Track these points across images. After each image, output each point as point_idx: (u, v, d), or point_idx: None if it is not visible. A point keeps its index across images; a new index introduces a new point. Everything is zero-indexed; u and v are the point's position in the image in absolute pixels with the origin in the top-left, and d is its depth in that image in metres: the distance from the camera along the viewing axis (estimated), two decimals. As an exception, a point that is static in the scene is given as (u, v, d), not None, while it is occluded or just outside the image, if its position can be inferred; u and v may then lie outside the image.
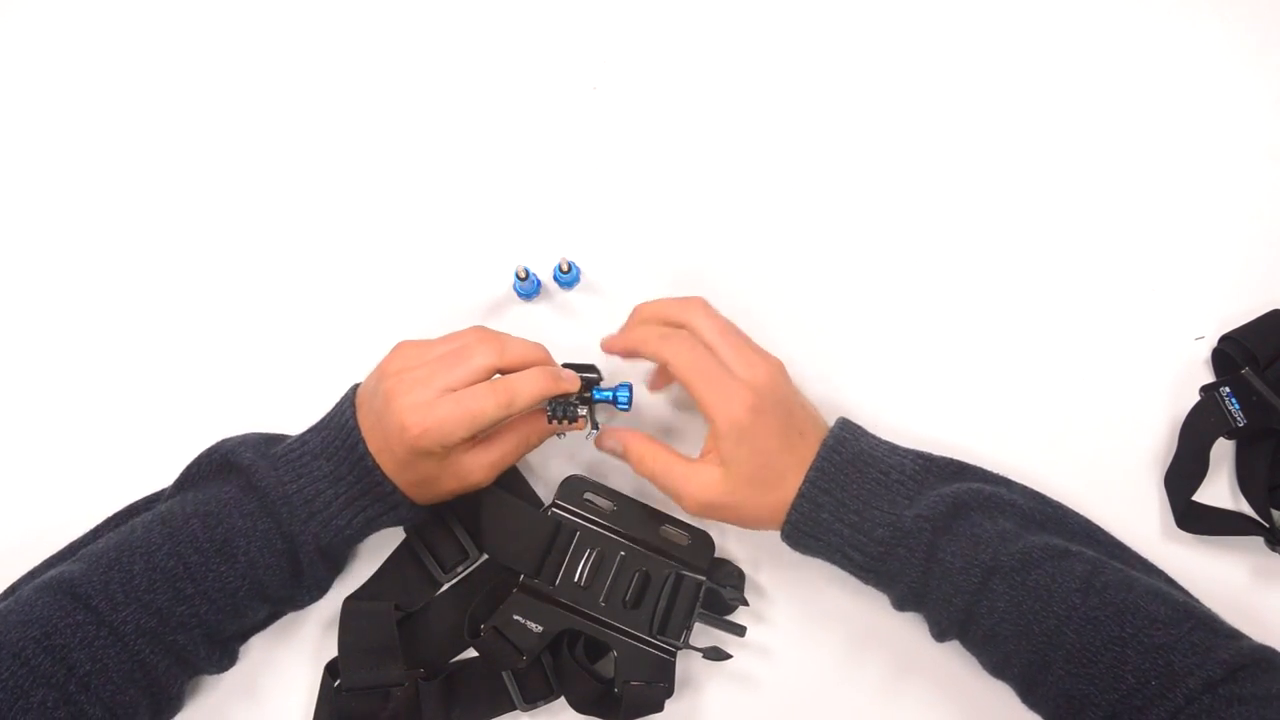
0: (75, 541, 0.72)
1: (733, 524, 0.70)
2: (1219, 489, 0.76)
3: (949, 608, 0.65)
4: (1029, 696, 0.65)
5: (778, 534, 0.69)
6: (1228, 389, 0.74)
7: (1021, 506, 0.68)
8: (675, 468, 0.68)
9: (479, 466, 0.68)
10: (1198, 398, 0.76)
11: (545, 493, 0.76)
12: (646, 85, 0.86)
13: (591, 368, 0.74)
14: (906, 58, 0.87)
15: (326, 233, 0.84)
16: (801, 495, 0.66)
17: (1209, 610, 0.65)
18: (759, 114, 0.86)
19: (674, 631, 0.69)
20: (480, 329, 0.70)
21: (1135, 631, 0.61)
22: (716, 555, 0.73)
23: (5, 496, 0.78)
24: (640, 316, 0.72)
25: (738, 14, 0.88)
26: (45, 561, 0.71)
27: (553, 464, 0.78)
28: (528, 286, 0.80)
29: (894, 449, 0.70)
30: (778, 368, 0.68)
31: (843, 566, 0.68)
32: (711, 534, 0.72)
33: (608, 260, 0.82)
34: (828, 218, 0.83)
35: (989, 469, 0.72)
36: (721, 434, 0.65)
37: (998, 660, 0.66)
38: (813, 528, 0.67)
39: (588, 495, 0.72)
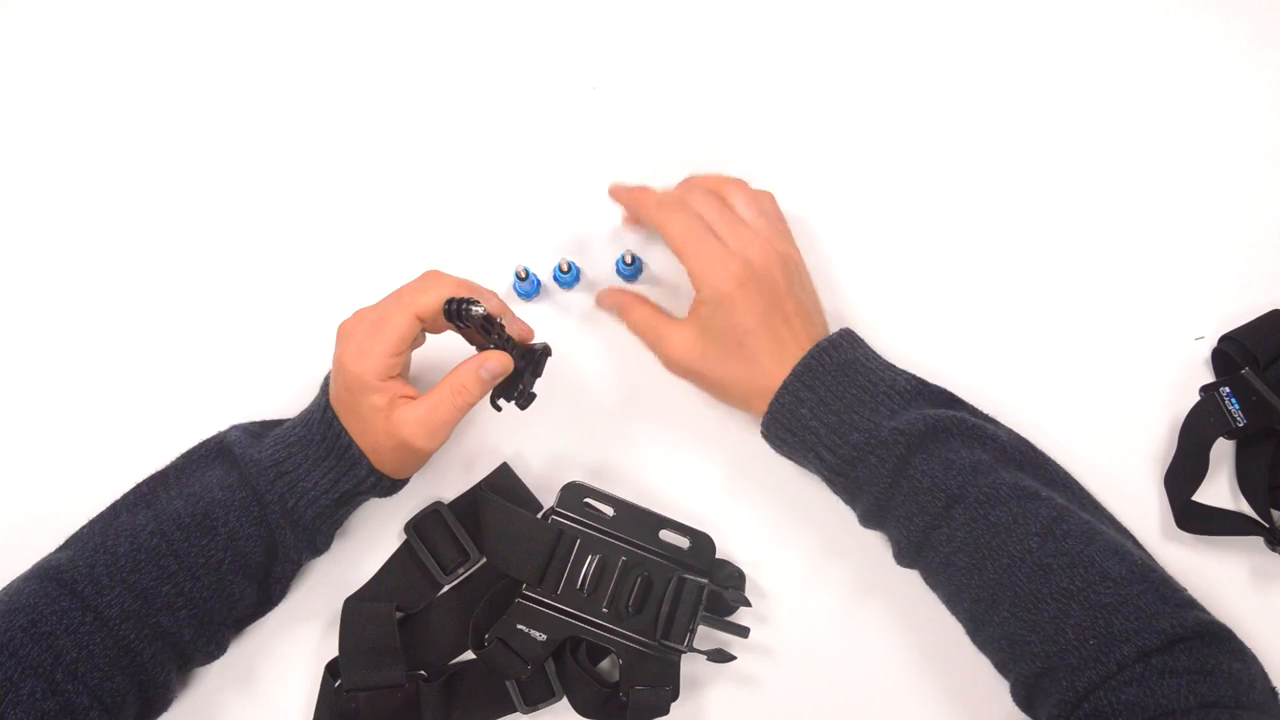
0: (71, 537, 0.72)
1: (708, 393, 0.72)
2: (1219, 489, 0.76)
3: (909, 527, 0.65)
4: (977, 635, 0.66)
5: (774, 533, 0.69)
6: (1228, 389, 0.74)
7: (1004, 442, 0.68)
8: (658, 324, 0.72)
9: (412, 419, 0.66)
10: (1198, 398, 0.76)
11: (546, 499, 0.76)
12: (646, 85, 0.86)
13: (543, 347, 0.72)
14: (907, 57, 0.87)
15: (327, 232, 0.84)
16: (785, 387, 0.67)
17: (1167, 575, 0.64)
18: (758, 114, 0.86)
19: (678, 635, 0.69)
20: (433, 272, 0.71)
21: (1084, 586, 0.60)
22: (717, 556, 0.73)
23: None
24: (689, 184, 0.75)
25: (737, 14, 0.88)
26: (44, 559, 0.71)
27: (553, 470, 0.77)
28: (528, 286, 0.80)
29: (891, 367, 0.71)
30: (784, 256, 0.70)
31: (814, 469, 0.69)
32: (712, 536, 0.72)
33: (608, 260, 0.82)
34: (828, 218, 0.83)
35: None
36: (703, 299, 0.68)
37: (950, 593, 0.66)
38: (790, 421, 0.67)
39: (587, 501, 0.72)
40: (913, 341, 0.80)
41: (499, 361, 0.67)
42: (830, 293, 0.81)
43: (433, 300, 0.66)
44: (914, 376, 0.71)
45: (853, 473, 0.67)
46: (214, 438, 0.73)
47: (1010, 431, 0.72)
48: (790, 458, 0.71)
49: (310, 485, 0.68)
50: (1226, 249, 0.81)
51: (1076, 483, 0.71)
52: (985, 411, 0.73)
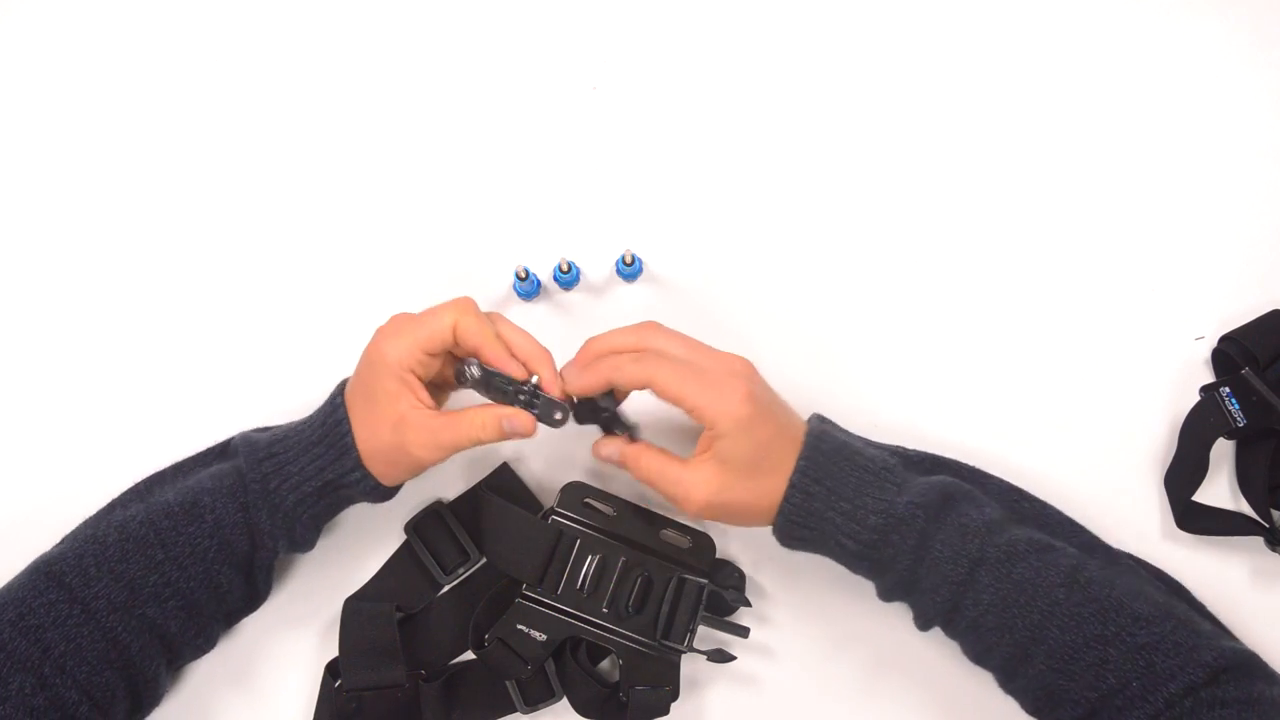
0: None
1: (733, 523, 0.70)
2: (1219, 489, 0.76)
3: (935, 597, 0.65)
4: (1008, 685, 0.66)
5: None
6: (1228, 389, 0.74)
7: (999, 499, 0.69)
8: (671, 470, 0.67)
9: (420, 424, 0.65)
10: (1198, 398, 0.76)
11: (546, 499, 0.76)
12: (646, 85, 0.86)
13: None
14: (907, 57, 0.87)
15: (327, 232, 0.84)
16: (793, 486, 0.65)
17: (1187, 609, 0.65)
18: (759, 114, 0.86)
19: (678, 635, 0.69)
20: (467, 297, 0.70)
21: (1118, 630, 0.61)
22: (718, 557, 0.73)
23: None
24: (594, 350, 0.69)
25: (737, 13, 0.88)
26: None
27: (553, 470, 0.78)
28: (528, 286, 0.80)
29: (869, 443, 0.71)
30: (750, 363, 0.68)
31: (835, 557, 0.68)
32: (712, 535, 0.72)
33: (608, 260, 0.82)
34: (828, 218, 0.83)
35: (970, 463, 0.74)
36: (722, 431, 0.64)
37: (979, 650, 0.66)
38: (805, 518, 0.66)
39: (588, 501, 0.72)
40: (914, 341, 0.80)
41: (524, 423, 0.66)
42: (831, 295, 0.82)
43: (477, 327, 0.66)
44: (892, 448, 0.71)
45: (876, 555, 0.66)
46: (220, 443, 0.74)
47: (1000, 484, 0.73)
48: (806, 549, 0.69)
49: (295, 470, 0.67)
50: (1226, 249, 0.81)
51: (1075, 521, 0.72)
52: (990, 415, 0.74)
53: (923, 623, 0.68)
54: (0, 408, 0.80)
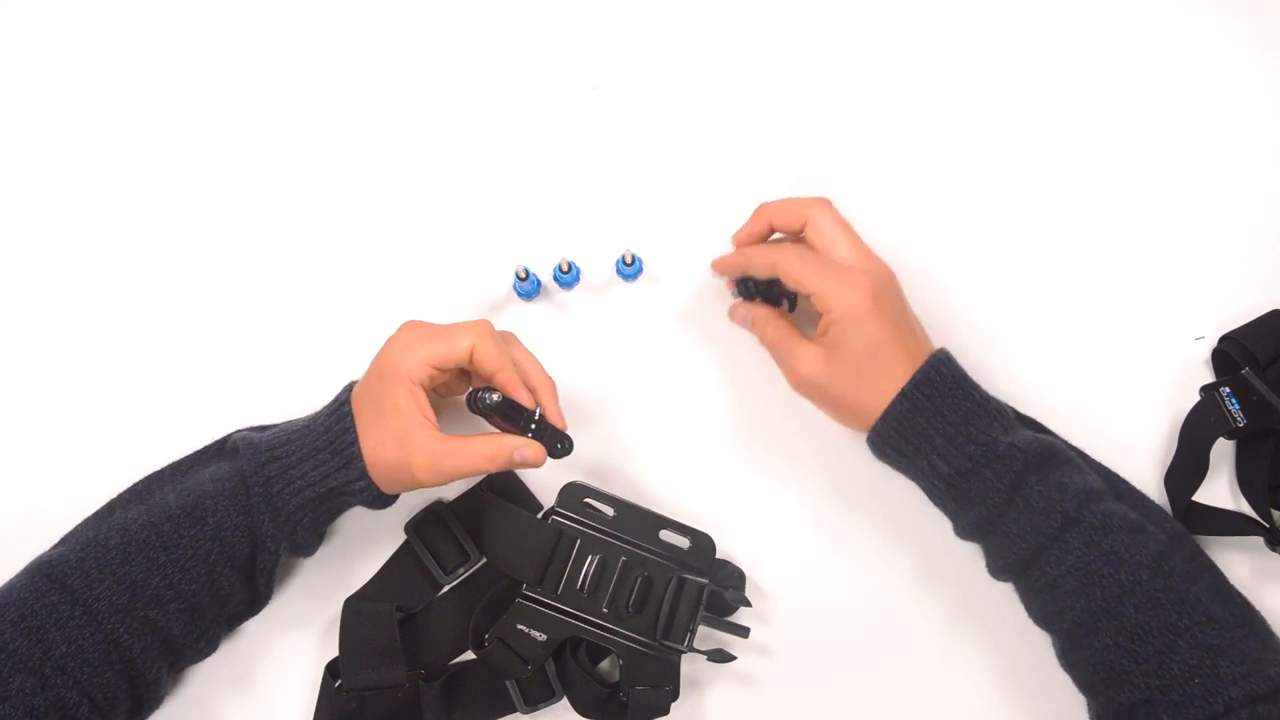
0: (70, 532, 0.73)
1: (830, 412, 0.72)
2: (1219, 489, 0.76)
3: (1019, 545, 0.65)
4: (1069, 655, 0.66)
5: (774, 533, 0.69)
6: (1228, 389, 0.74)
7: (1105, 473, 0.70)
8: (789, 340, 0.71)
9: (425, 448, 0.65)
10: (1197, 398, 0.76)
11: (546, 499, 0.76)
12: (646, 85, 0.86)
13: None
14: (907, 58, 0.87)
15: (327, 232, 0.84)
16: (903, 394, 0.67)
17: (1265, 620, 0.65)
18: (759, 114, 0.86)
19: (678, 635, 0.69)
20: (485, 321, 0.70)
21: (1191, 624, 0.61)
22: (717, 556, 0.73)
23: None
24: (763, 213, 0.74)
25: (737, 13, 0.88)
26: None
27: (553, 471, 0.77)
28: (528, 286, 0.80)
29: (988, 394, 0.71)
30: (892, 273, 0.70)
31: (923, 479, 0.69)
32: (712, 536, 0.72)
33: (608, 260, 0.82)
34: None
35: None
36: (835, 318, 0.67)
37: (1050, 611, 0.66)
38: (905, 429, 0.67)
39: (587, 501, 0.72)
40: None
41: (535, 454, 0.67)
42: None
43: (496, 353, 0.67)
44: (1010, 406, 0.72)
45: (965, 485, 0.67)
46: (218, 440, 0.74)
47: (1103, 467, 0.74)
48: (895, 466, 0.71)
49: (299, 475, 0.67)
50: (1226, 249, 0.81)
51: (1167, 514, 0.73)
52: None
53: (998, 568, 0.68)
54: (1, 406, 0.80)
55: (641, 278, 0.82)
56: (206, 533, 0.66)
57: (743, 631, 0.71)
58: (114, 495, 0.74)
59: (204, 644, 0.69)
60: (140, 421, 0.79)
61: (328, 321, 0.81)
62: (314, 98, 0.87)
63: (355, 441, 0.67)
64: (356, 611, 0.71)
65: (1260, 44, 0.85)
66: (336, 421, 0.68)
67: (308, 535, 0.69)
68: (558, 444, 0.68)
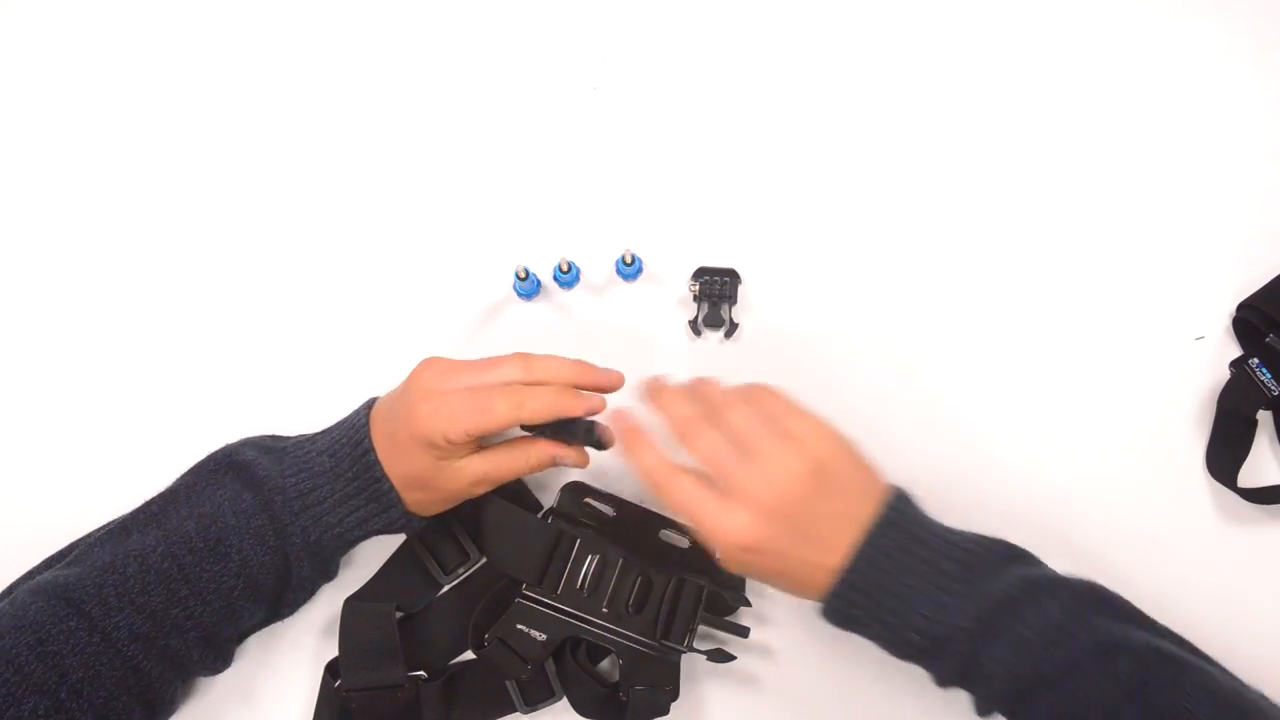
0: (74, 543, 0.71)
1: (770, 585, 0.66)
2: (1262, 461, 0.76)
3: (990, 706, 0.63)
4: None
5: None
6: (1257, 360, 0.73)
7: (1073, 587, 0.63)
8: (706, 503, 0.62)
9: (471, 473, 0.66)
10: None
11: (546, 499, 0.76)
12: (646, 85, 0.86)
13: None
14: (907, 57, 0.87)
15: (327, 232, 0.84)
16: (835, 594, 0.62)
17: (1255, 698, 0.61)
18: (759, 114, 0.86)
19: (677, 636, 0.69)
20: (520, 360, 0.68)
21: None
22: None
23: (10, 496, 0.78)
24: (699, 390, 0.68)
25: (737, 13, 0.88)
26: (42, 562, 0.70)
27: (553, 471, 0.76)
28: (528, 286, 0.80)
29: (943, 536, 0.64)
30: (808, 467, 0.62)
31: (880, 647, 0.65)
32: None
33: (608, 260, 0.82)
34: (827, 219, 0.83)
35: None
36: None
37: None
38: (845, 621, 0.63)
39: (588, 501, 0.72)
40: (915, 345, 0.80)
41: (576, 460, 0.68)
42: (829, 294, 0.82)
43: (543, 410, 0.65)
44: (974, 538, 0.64)
45: (921, 662, 0.64)
46: (222, 452, 0.71)
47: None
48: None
49: (335, 521, 0.67)
50: (1227, 249, 0.81)
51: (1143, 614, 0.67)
52: (990, 416, 0.73)
53: (982, 714, 0.65)
54: (12, 415, 0.80)
55: (641, 278, 0.82)
56: (231, 569, 0.65)
57: (743, 631, 0.71)
58: (124, 514, 0.71)
59: (220, 664, 0.69)
60: (138, 420, 0.79)
61: (327, 322, 0.81)
62: (315, 98, 0.87)
63: (391, 489, 0.67)
64: (356, 611, 0.71)
65: (1260, 44, 0.85)
66: (363, 470, 0.67)
67: (337, 565, 0.72)
68: (603, 445, 0.68)
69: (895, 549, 0.62)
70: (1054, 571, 0.64)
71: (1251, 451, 0.75)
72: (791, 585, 0.64)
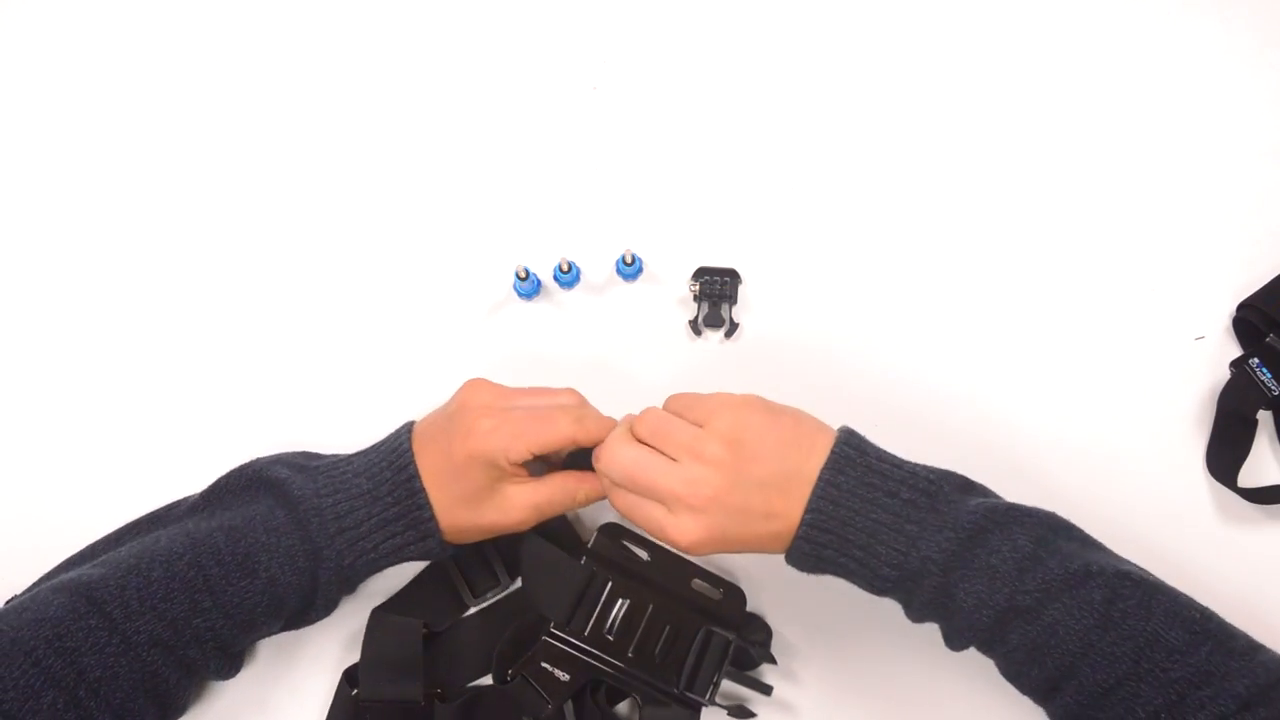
0: (95, 543, 0.71)
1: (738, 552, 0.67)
2: (1262, 461, 0.76)
3: (964, 634, 0.64)
4: (1042, 704, 0.65)
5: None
6: (1257, 359, 0.74)
7: (1037, 515, 0.65)
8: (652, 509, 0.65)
9: (522, 504, 0.66)
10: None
11: (584, 531, 0.76)
12: (646, 85, 0.86)
13: None
14: (907, 59, 0.87)
15: (328, 233, 0.83)
16: (800, 539, 0.63)
17: (1222, 622, 0.63)
18: (759, 114, 0.86)
19: (700, 688, 0.68)
20: (575, 391, 0.69)
21: (1151, 667, 0.60)
22: (748, 610, 0.72)
23: (29, 498, 0.77)
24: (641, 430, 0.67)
25: (737, 13, 0.87)
26: (64, 562, 0.70)
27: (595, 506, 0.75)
28: (528, 286, 0.80)
29: (896, 465, 0.65)
30: (715, 440, 0.63)
31: (854, 584, 0.66)
32: (744, 588, 0.72)
33: (608, 260, 0.82)
34: (827, 219, 0.83)
35: (998, 480, 0.71)
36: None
37: (1010, 673, 0.65)
38: (817, 564, 0.64)
39: (624, 543, 0.72)
40: (915, 344, 0.80)
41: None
42: (828, 294, 0.82)
43: (603, 428, 0.66)
44: (923, 471, 0.65)
45: (894, 594, 0.64)
46: (251, 467, 0.70)
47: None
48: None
49: (370, 546, 0.67)
50: (1227, 249, 0.82)
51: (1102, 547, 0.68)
52: (991, 415, 0.73)
53: (954, 647, 0.66)
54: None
55: (641, 278, 0.82)
56: (257, 586, 0.65)
57: (765, 689, 0.70)
58: (149, 512, 0.72)
59: (231, 670, 0.69)
60: (138, 420, 0.79)
61: (327, 322, 0.81)
62: (316, 99, 0.87)
63: (432, 517, 0.66)
64: (383, 623, 0.71)
65: (1260, 44, 0.86)
66: (406, 497, 0.66)
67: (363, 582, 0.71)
68: None
69: (852, 484, 0.63)
70: (1011, 501, 0.65)
71: (1251, 451, 0.76)
72: (768, 550, 0.65)
